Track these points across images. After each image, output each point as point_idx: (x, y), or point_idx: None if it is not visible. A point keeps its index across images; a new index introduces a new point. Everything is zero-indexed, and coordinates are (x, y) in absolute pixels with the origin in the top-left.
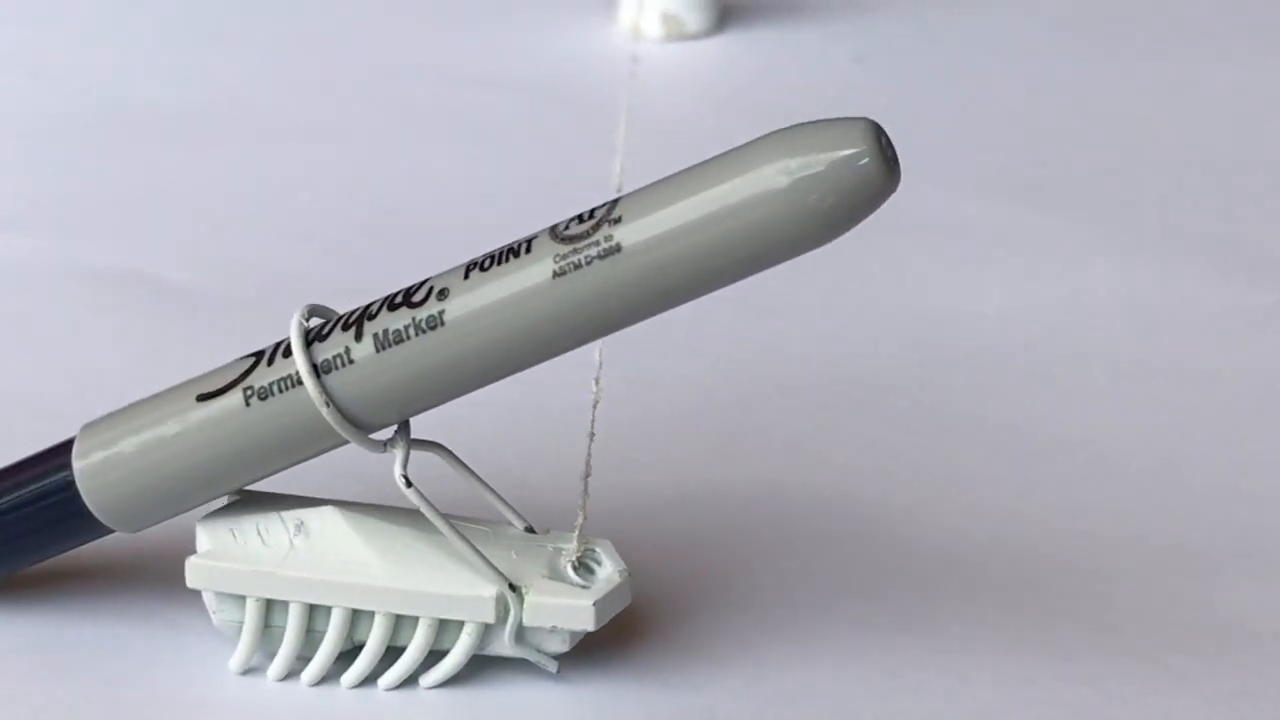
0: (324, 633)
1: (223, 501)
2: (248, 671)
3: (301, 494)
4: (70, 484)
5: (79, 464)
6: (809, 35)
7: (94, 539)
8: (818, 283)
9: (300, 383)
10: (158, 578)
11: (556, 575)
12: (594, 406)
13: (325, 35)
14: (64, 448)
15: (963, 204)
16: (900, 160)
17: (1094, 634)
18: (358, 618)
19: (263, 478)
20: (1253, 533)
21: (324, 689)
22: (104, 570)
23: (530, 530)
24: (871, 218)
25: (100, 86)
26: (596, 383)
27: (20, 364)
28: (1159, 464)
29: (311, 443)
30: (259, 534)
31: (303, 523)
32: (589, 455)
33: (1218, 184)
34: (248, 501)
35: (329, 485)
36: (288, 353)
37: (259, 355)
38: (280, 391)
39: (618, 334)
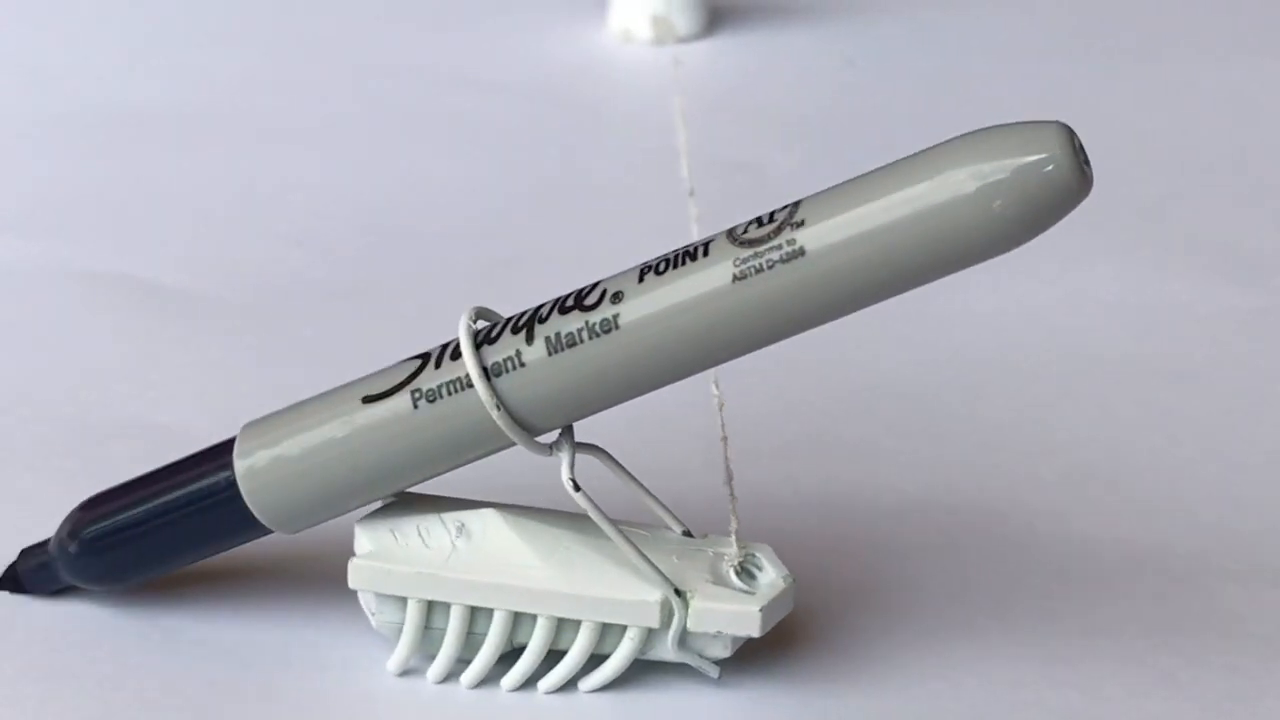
0: (484, 635)
1: (377, 503)
2: (405, 673)
3: (454, 496)
4: (231, 484)
5: (241, 465)
6: (799, 38)
7: (251, 540)
8: None
9: (470, 385)
10: (311, 578)
11: (720, 580)
12: (720, 409)
13: (318, 38)
14: (225, 447)
15: None
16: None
17: (1083, 636)
18: (518, 620)
19: (426, 480)
20: (1243, 535)
21: (483, 691)
22: (257, 571)
23: (688, 534)
24: None
25: (95, 89)
26: (716, 385)
27: (15, 366)
28: (1150, 466)
29: (478, 445)
30: (420, 536)
31: (464, 525)
32: (726, 459)
33: (1212, 187)
34: (405, 503)
35: (477, 486)
36: (456, 355)
37: (425, 357)
38: (449, 394)
39: None
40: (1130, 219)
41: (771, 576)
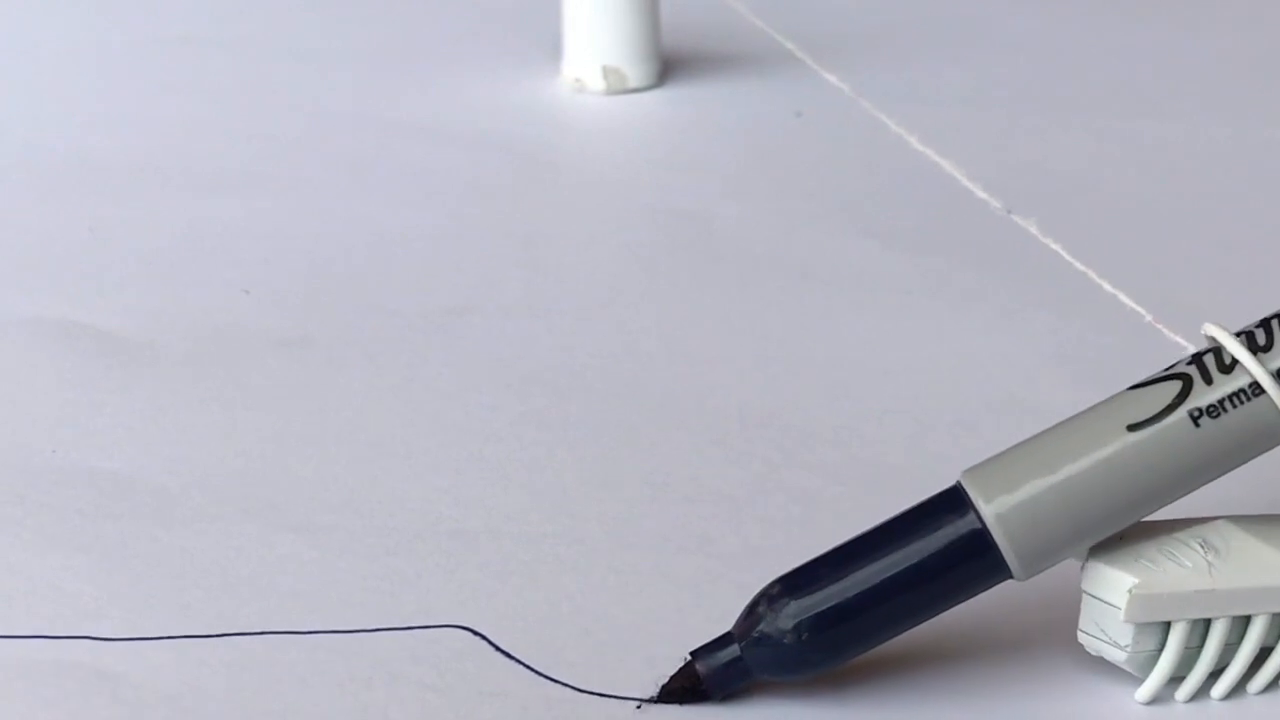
0: (1234, 645)
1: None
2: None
3: None
4: (978, 534)
5: (992, 512)
6: (748, 89)
7: (974, 595)
8: (758, 332)
9: (1257, 394)
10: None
11: None
12: None
13: (268, 85)
14: (949, 500)
15: (897, 258)
16: (836, 213)
17: None
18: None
19: (1183, 497)
20: None
21: (1233, 702)
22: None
23: None
24: (803, 270)
25: (41, 136)
26: None
27: None
28: None
29: (1253, 453)
30: (1169, 559)
31: (1205, 539)
32: None
33: (1148, 238)
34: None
35: None
36: (1225, 368)
37: (1181, 377)
38: (1234, 406)
39: None
40: (1064, 270)
41: None
